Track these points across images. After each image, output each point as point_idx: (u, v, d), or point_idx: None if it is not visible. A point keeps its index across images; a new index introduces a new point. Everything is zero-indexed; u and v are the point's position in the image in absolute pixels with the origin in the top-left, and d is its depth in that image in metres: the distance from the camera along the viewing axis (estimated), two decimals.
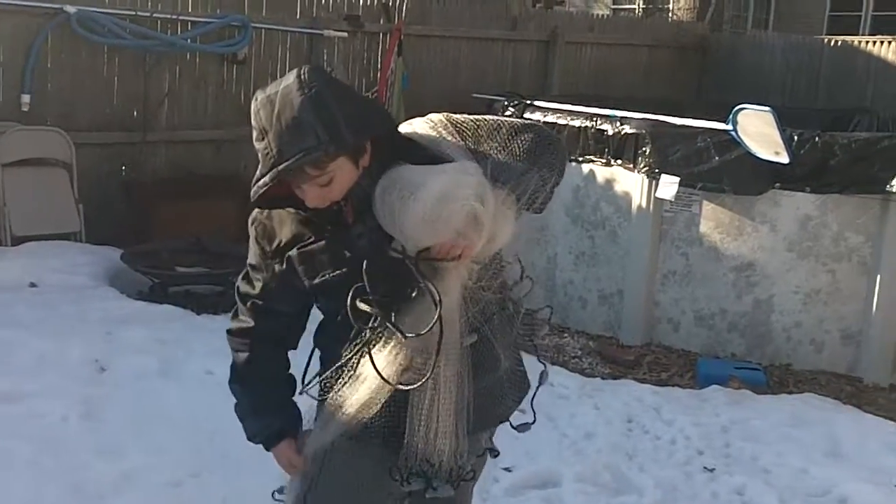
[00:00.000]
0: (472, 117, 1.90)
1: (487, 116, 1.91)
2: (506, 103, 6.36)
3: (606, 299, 5.66)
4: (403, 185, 1.72)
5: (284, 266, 1.94)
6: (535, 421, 2.05)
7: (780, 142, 4.66)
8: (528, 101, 6.31)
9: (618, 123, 5.48)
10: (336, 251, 1.86)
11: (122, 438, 3.62)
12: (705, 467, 3.80)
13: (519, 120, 1.98)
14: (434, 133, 1.87)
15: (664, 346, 5.42)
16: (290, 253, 1.92)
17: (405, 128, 1.92)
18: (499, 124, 1.86)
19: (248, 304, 2.05)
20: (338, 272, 1.86)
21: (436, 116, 1.91)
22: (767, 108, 4.73)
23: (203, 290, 5.69)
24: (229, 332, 2.12)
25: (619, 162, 5.48)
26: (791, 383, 4.95)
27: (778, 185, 5.05)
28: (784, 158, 4.70)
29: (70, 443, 3.52)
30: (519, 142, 1.82)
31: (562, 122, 5.75)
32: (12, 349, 4.26)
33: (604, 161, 5.57)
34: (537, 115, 5.88)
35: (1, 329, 4.47)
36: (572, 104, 6.03)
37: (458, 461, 1.88)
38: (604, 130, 5.54)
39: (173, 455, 3.51)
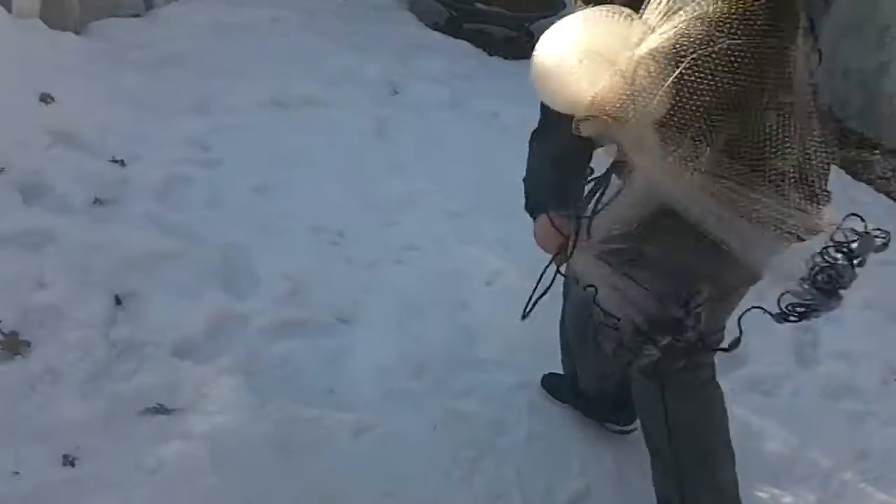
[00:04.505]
0: None
1: None
2: None
3: None
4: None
5: None
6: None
7: None
8: None
9: None
10: None
11: (409, 161, 3.76)
12: None
13: None
14: None
15: None
16: None
17: None
18: None
19: None
20: None
21: None
22: None
23: (497, 31, 5.62)
24: None
25: None
26: None
27: None
28: None
29: (365, 156, 3.69)
30: None
31: None
32: (319, 57, 4.45)
33: None
34: None
35: (312, 37, 4.66)
36: None
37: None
38: None
39: (454, 186, 3.60)
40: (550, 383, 2.66)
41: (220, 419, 2.35)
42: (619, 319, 1.66)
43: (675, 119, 1.40)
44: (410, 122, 4.09)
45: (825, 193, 1.56)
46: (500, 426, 2.50)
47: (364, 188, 3.48)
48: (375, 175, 3.57)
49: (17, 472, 2.07)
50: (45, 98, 3.44)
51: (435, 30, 5.36)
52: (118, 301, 2.68)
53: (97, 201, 3.09)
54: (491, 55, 5.13)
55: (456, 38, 5.24)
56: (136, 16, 4.53)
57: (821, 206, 1.54)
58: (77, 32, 4.06)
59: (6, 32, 3.62)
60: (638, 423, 2.51)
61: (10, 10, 3.78)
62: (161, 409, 2.34)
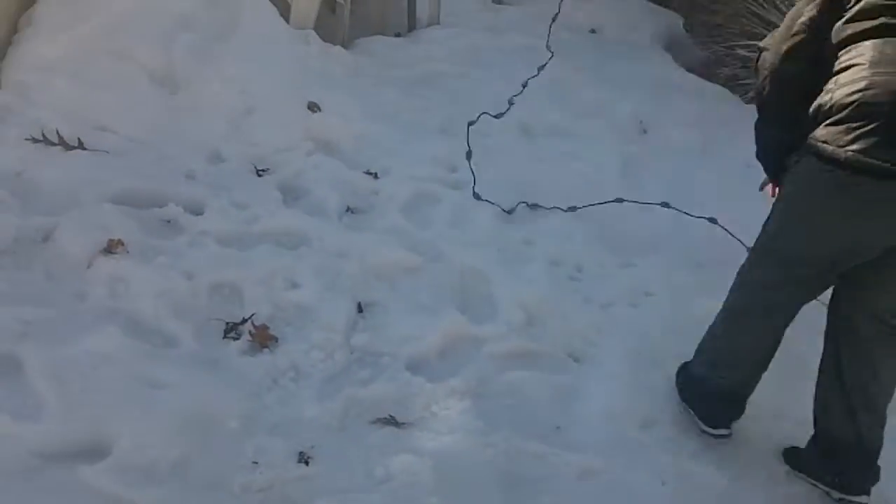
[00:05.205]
0: None
1: None
2: None
3: None
4: None
5: None
6: None
7: None
8: None
9: None
10: None
11: (654, 200, 3.64)
12: None
13: None
14: None
15: None
16: None
17: None
18: None
19: None
20: None
21: None
22: None
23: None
24: None
25: None
26: None
27: None
28: None
29: (608, 192, 3.60)
30: None
31: None
32: (569, 89, 4.43)
33: None
34: None
35: (564, 68, 4.64)
36: None
37: None
38: None
39: (698, 235, 3.45)
40: (790, 456, 2.48)
41: (447, 439, 2.34)
42: None
43: None
44: (657, 162, 3.98)
45: None
46: (735, 495, 2.35)
47: (605, 225, 3.41)
48: (617, 213, 3.49)
49: (256, 462, 2.15)
50: (313, 107, 3.62)
51: (690, 72, 5.21)
52: (360, 308, 2.76)
53: (349, 210, 3.21)
54: (747, 103, 4.91)
55: (711, 81, 5.08)
56: (399, 35, 4.71)
57: None
58: (345, 46, 4.27)
59: (284, 41, 3.87)
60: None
61: (287, 21, 4.03)
62: (391, 421, 2.37)
